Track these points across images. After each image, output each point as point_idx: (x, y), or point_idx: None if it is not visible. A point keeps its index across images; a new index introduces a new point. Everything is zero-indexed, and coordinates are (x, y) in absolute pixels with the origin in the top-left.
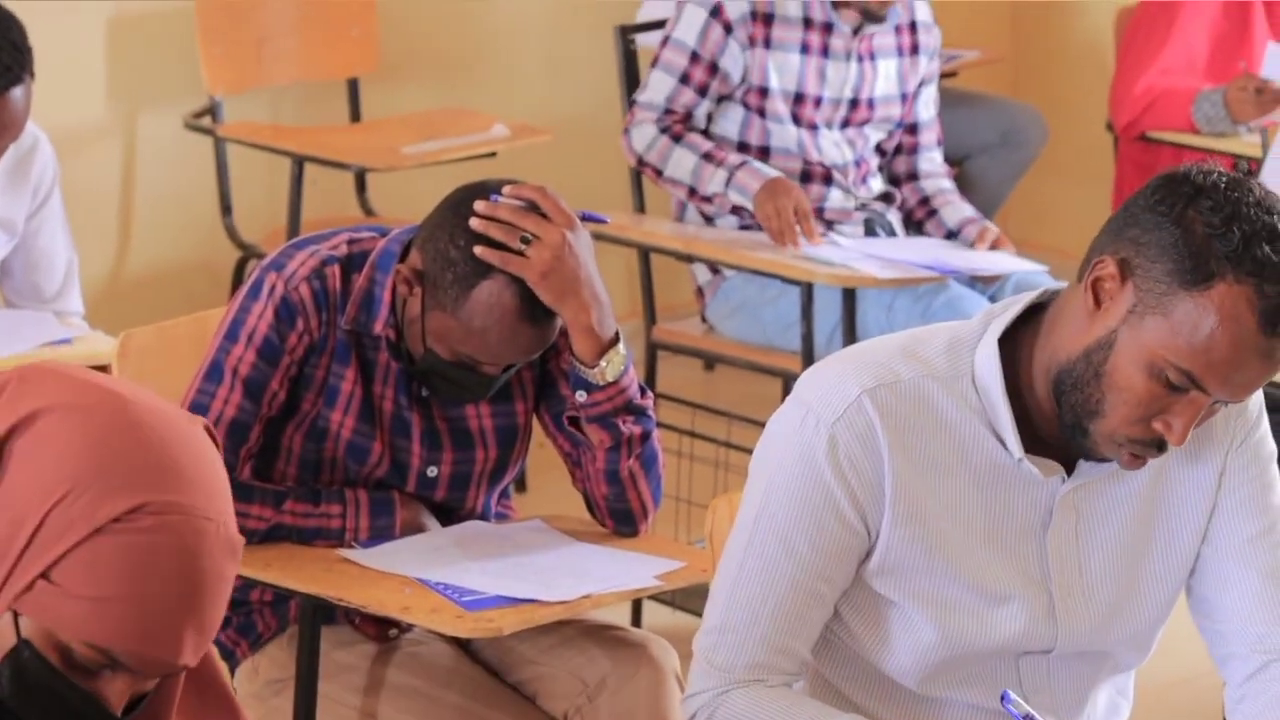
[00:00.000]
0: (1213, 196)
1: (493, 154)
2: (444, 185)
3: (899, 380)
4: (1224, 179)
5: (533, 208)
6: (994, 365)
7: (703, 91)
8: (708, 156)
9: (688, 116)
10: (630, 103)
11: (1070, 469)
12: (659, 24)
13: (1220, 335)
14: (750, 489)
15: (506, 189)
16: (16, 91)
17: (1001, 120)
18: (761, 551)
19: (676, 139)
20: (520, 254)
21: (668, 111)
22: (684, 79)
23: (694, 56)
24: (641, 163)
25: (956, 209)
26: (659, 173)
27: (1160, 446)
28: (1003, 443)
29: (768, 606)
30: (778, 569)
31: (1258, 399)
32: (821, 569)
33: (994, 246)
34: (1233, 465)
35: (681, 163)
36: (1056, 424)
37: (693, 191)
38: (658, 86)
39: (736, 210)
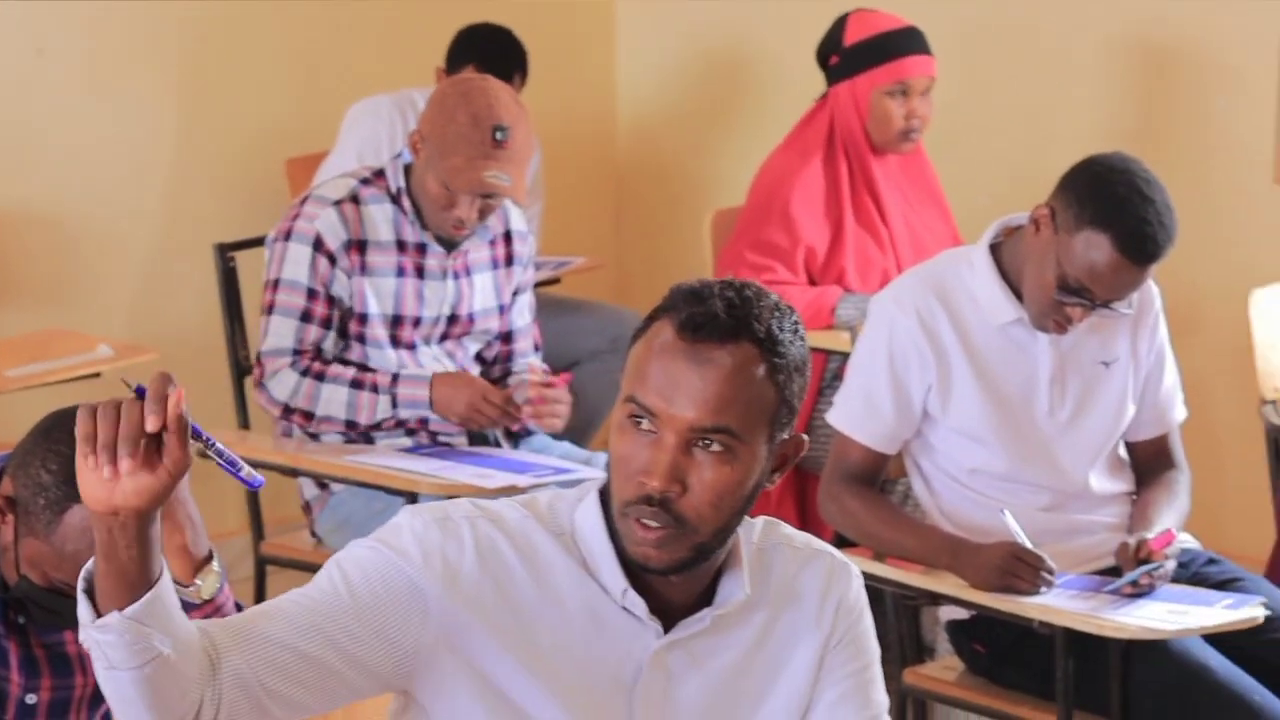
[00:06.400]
0: None
1: (97, 374)
2: (50, 407)
3: (502, 517)
4: None
5: None
6: (594, 515)
7: (327, 324)
8: (357, 384)
9: (319, 352)
10: (256, 357)
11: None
12: (257, 241)
13: (646, 353)
14: None
15: None
16: None
17: (609, 327)
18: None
19: (319, 377)
20: None
21: (298, 352)
22: (305, 317)
23: (310, 293)
24: (289, 410)
25: (524, 387)
26: (310, 416)
27: (653, 501)
28: (605, 590)
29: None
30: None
31: (862, 596)
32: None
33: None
34: (833, 661)
35: (333, 399)
36: (649, 577)
37: (352, 424)
38: (281, 331)
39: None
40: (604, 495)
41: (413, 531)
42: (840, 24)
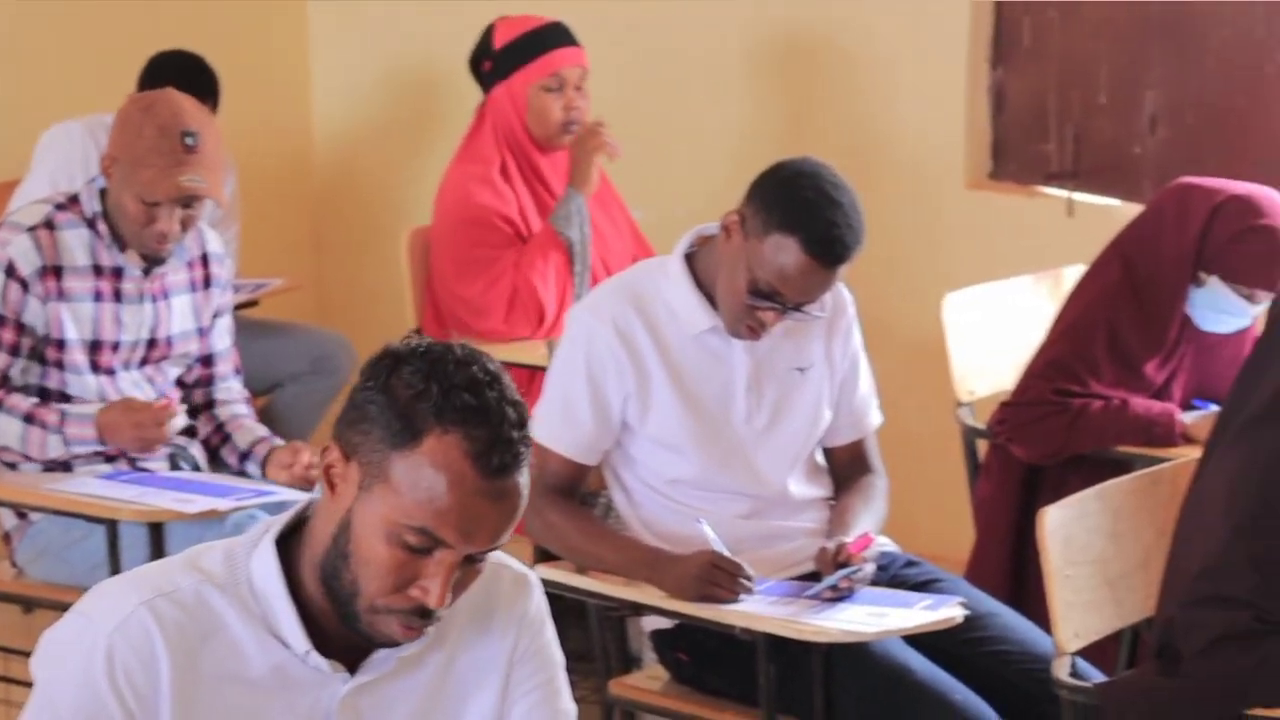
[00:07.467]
0: (412, 361)
1: None
2: None
3: (178, 589)
4: (424, 345)
5: None
6: (271, 566)
7: (15, 351)
8: (29, 419)
9: (6, 379)
10: None
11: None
12: None
13: (440, 486)
14: (31, 702)
15: None
16: None
17: (310, 348)
18: None
19: None
20: None
21: None
22: None
23: (0, 320)
24: None
25: (249, 431)
26: None
27: (427, 614)
28: (286, 644)
29: None
30: None
31: (542, 606)
32: None
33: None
34: (518, 675)
35: (8, 430)
36: (338, 621)
37: (28, 458)
38: None
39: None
40: (281, 543)
41: (105, 668)
42: (488, 31)
